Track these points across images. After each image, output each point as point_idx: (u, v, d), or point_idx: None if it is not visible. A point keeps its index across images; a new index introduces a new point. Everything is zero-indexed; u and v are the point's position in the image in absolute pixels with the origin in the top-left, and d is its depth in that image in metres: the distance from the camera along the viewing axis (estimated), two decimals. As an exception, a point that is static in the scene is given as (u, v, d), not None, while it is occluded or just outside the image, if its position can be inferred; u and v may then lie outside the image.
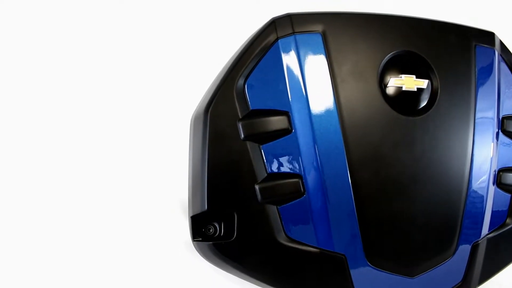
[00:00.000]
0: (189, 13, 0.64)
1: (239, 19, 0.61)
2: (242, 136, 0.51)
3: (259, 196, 0.51)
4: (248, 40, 0.53)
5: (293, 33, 0.52)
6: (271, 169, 0.51)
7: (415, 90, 0.55)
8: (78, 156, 0.59)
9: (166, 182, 0.59)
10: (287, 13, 0.53)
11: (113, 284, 0.57)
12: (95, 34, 0.62)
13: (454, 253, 0.55)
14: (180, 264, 0.58)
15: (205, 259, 0.52)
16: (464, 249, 0.56)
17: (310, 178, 0.51)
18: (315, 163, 0.51)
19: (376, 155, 0.53)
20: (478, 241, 0.56)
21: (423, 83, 0.55)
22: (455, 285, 0.56)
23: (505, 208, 0.59)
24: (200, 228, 0.52)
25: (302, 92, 0.52)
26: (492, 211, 0.58)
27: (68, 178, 0.59)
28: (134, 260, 0.58)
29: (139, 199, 0.58)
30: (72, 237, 0.58)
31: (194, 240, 0.51)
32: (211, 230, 0.52)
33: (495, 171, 0.58)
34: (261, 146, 0.51)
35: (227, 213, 0.51)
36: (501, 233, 0.58)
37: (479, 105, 0.57)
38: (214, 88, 0.52)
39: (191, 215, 0.52)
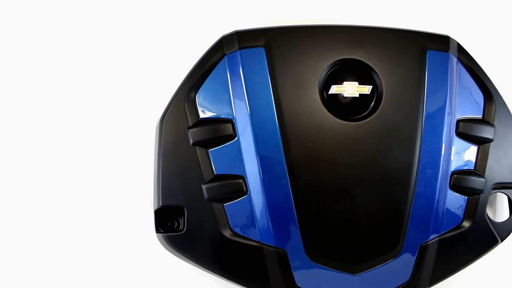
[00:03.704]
0: (166, 22, 0.68)
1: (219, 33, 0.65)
2: (191, 142, 0.57)
3: (205, 195, 0.57)
4: (200, 57, 0.59)
5: (238, 48, 0.58)
6: (217, 171, 0.57)
7: (358, 96, 0.58)
8: (68, 155, 0.66)
9: (141, 182, 0.66)
10: (234, 31, 0.59)
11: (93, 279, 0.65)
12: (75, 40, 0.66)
13: (400, 253, 0.57)
14: (150, 255, 0.66)
15: (166, 249, 0.60)
16: (411, 249, 0.57)
17: (252, 179, 0.57)
18: (256, 166, 0.56)
19: (316, 158, 0.57)
20: (427, 242, 0.57)
21: (366, 89, 0.58)
22: (401, 284, 0.57)
23: (461, 210, 0.59)
24: (166, 222, 0.60)
25: (245, 102, 0.57)
26: (445, 213, 0.58)
27: (58, 178, 0.65)
28: (115, 255, 0.66)
29: (120, 198, 0.67)
30: (65, 237, 0.65)
31: (156, 233, 0.59)
32: (175, 224, 0.60)
33: (449, 173, 0.58)
34: (208, 151, 0.58)
35: (178, 210, 0.58)
36: (455, 234, 0.58)
37: (428, 109, 0.58)
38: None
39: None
